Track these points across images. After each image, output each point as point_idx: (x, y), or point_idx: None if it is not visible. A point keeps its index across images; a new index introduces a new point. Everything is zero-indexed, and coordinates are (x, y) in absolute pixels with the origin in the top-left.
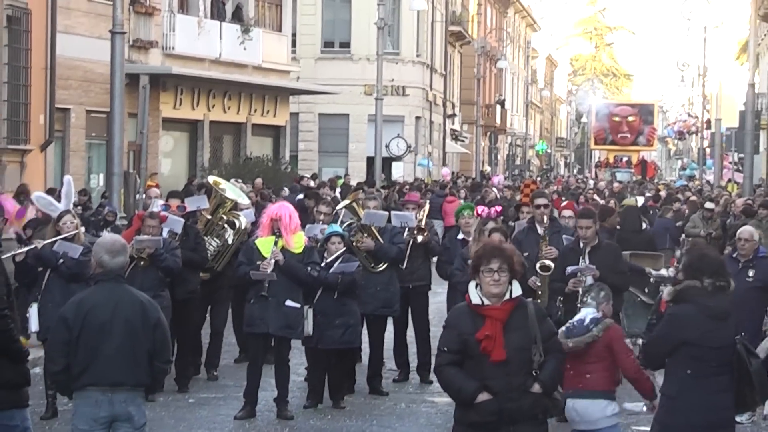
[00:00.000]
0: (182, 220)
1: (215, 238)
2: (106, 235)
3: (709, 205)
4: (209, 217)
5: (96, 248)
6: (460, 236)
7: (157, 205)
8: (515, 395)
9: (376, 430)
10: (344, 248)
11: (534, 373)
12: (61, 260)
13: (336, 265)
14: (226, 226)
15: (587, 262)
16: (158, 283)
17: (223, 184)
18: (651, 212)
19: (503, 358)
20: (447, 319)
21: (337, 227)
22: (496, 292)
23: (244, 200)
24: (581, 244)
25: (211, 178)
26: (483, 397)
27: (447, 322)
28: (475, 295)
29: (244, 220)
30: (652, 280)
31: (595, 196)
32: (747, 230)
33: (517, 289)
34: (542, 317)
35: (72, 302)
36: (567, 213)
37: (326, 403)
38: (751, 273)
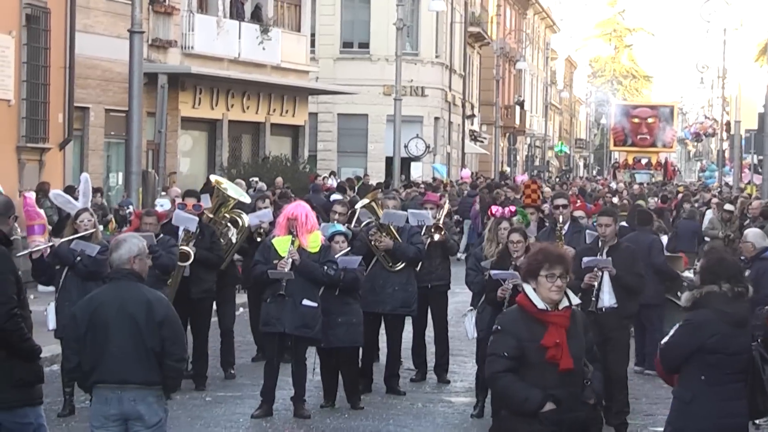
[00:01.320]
0: (196, 219)
1: (219, 237)
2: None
3: (728, 207)
4: (212, 216)
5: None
6: None
7: (160, 204)
8: (575, 405)
9: (392, 429)
10: (348, 248)
11: (586, 383)
12: (78, 258)
13: (339, 260)
14: (229, 224)
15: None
16: (154, 281)
17: (225, 183)
18: (665, 214)
19: (571, 367)
20: (499, 323)
21: (340, 227)
22: (557, 298)
23: (245, 199)
24: (599, 243)
25: (212, 177)
26: (549, 407)
27: (501, 327)
28: (539, 301)
29: (246, 218)
30: (685, 283)
31: (614, 200)
32: (751, 232)
33: (573, 297)
34: (587, 326)
35: (83, 300)
36: (578, 213)
37: (343, 403)
38: (746, 273)
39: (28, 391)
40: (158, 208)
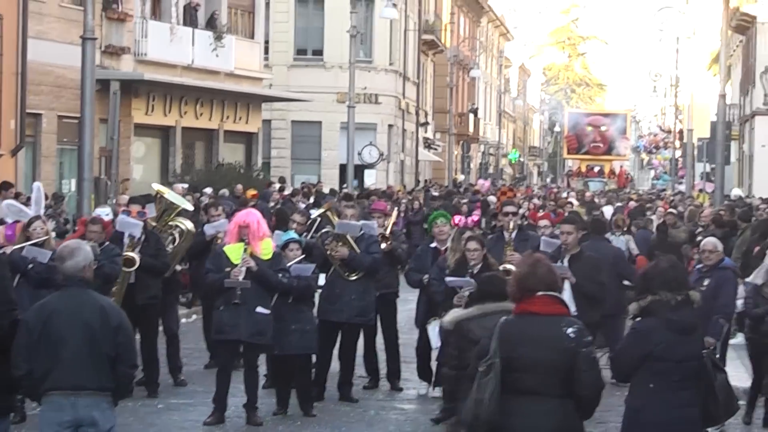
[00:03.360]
0: (140, 224)
1: (164, 245)
2: (66, 243)
3: (671, 210)
4: (154, 224)
5: (55, 256)
6: (433, 244)
7: (102, 212)
8: None
9: None
10: (302, 255)
11: None
12: (31, 266)
13: (292, 268)
14: (173, 232)
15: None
16: (97, 290)
17: (167, 193)
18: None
19: None
20: None
21: (293, 234)
22: None
23: (187, 206)
24: (561, 251)
25: (155, 186)
26: None
27: None
28: None
29: (189, 224)
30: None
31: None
32: (710, 242)
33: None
34: None
35: (34, 307)
36: (543, 223)
37: (296, 410)
38: (705, 282)
39: (10, 398)
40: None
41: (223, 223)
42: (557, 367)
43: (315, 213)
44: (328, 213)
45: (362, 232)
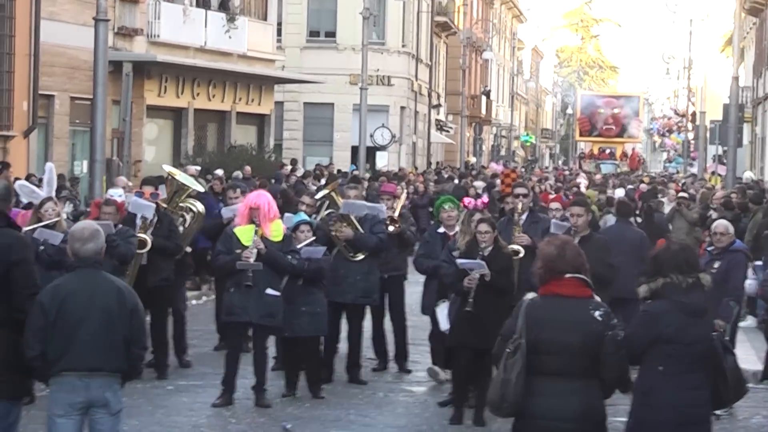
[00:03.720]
0: (153, 206)
1: (177, 226)
2: (78, 223)
3: (682, 194)
4: (165, 206)
5: (69, 237)
6: (441, 230)
7: (115, 193)
8: None
9: (353, 419)
10: (313, 237)
11: None
12: (42, 247)
13: (303, 250)
14: (184, 214)
15: None
16: (112, 270)
17: (178, 174)
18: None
19: None
20: None
21: (304, 216)
22: None
23: (199, 187)
24: (571, 233)
25: (166, 168)
26: None
27: None
28: None
29: (200, 206)
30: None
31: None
32: (722, 224)
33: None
34: None
35: (48, 288)
36: (555, 206)
37: (305, 392)
38: (716, 264)
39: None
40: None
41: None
42: (584, 350)
43: (319, 194)
44: (333, 194)
45: (365, 212)
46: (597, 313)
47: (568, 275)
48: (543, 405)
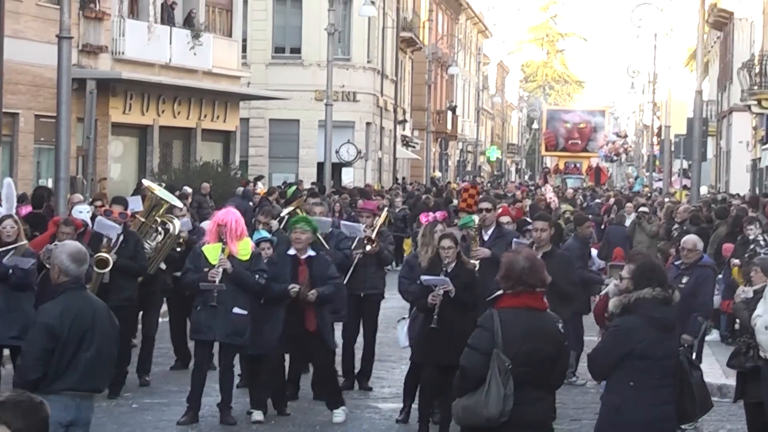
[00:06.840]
0: (118, 227)
1: (149, 241)
2: (68, 243)
3: (642, 208)
4: (143, 220)
5: (59, 256)
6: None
7: (83, 210)
8: None
9: None
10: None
11: None
12: (11, 272)
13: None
14: (159, 228)
15: None
16: None
17: (157, 189)
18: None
19: None
20: None
21: (264, 233)
22: None
23: (176, 203)
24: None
25: (145, 182)
26: None
27: None
28: None
29: (177, 223)
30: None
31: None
32: (691, 239)
33: None
34: None
35: (51, 311)
36: (505, 219)
37: (270, 410)
38: (684, 280)
39: None
40: (77, 215)
41: (185, 222)
42: (553, 360)
43: (284, 211)
44: (298, 210)
45: (331, 230)
46: (560, 326)
47: (538, 289)
48: (514, 413)
